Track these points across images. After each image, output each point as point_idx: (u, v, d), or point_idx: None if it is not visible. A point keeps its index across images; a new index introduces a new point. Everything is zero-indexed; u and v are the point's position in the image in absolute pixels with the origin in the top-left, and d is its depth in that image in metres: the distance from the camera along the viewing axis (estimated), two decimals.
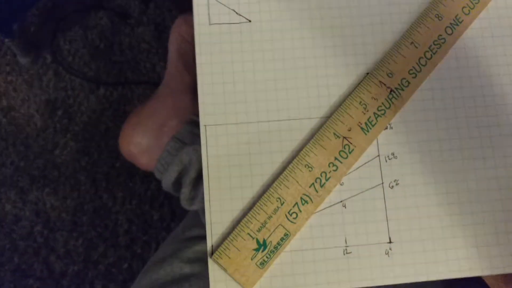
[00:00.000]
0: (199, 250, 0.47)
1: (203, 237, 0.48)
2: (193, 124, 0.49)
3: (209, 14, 0.28)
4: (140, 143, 0.51)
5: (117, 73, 0.91)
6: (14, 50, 0.90)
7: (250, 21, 0.28)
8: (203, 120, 0.27)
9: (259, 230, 0.26)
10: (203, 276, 0.45)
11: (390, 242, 0.26)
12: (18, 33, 0.86)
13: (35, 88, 0.90)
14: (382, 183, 0.27)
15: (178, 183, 0.50)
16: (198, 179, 0.48)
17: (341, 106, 0.27)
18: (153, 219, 0.86)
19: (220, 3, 0.28)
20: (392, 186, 0.27)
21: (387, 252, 0.26)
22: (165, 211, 0.86)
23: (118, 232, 0.86)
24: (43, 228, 0.87)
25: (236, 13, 0.28)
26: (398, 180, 0.27)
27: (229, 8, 0.28)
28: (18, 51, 0.89)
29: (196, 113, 0.51)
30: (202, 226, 0.49)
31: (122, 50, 0.92)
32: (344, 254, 0.26)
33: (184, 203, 0.50)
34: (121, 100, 0.90)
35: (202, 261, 0.46)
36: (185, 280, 0.46)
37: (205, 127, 0.27)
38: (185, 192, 0.49)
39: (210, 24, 0.28)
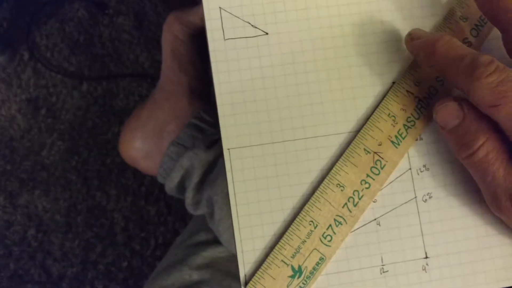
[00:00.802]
0: (208, 256, 0.46)
1: (210, 242, 0.47)
2: (192, 127, 0.48)
3: (223, 28, 0.26)
4: (140, 148, 0.49)
5: (99, 67, 0.88)
6: None
7: (267, 33, 0.27)
8: (225, 143, 0.26)
9: (293, 256, 0.25)
10: (212, 283, 0.45)
11: (426, 257, 0.26)
12: None
13: (15, 88, 0.87)
14: (415, 197, 0.26)
15: (181, 187, 0.49)
16: (201, 183, 0.47)
17: (370, 120, 0.26)
18: (149, 215, 0.85)
19: (234, 16, 0.26)
20: (426, 200, 0.26)
21: (424, 268, 0.26)
22: (161, 206, 0.85)
23: (115, 230, 0.84)
24: (37, 231, 0.84)
25: (252, 25, 0.27)
26: (431, 193, 0.26)
27: (243, 20, 0.27)
28: None
29: (194, 115, 0.49)
30: (209, 230, 0.48)
31: (102, 43, 0.88)
32: (381, 273, 0.26)
33: (189, 208, 0.49)
34: (106, 94, 0.87)
35: (210, 267, 0.45)
36: (194, 287, 0.45)
37: (229, 151, 0.26)
38: (188, 197, 0.48)
39: (225, 39, 0.26)
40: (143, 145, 0.51)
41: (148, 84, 0.88)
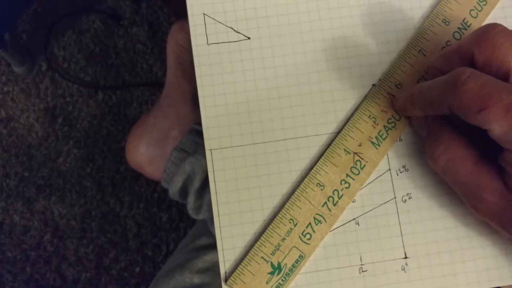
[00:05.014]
0: (209, 260, 0.47)
1: (212, 246, 0.48)
2: (195, 132, 0.49)
3: (206, 34, 0.27)
4: (145, 153, 0.51)
5: (114, 77, 0.90)
6: (8, 60, 0.89)
7: (249, 38, 0.28)
8: (207, 144, 0.27)
9: (273, 253, 0.25)
10: (213, 286, 0.45)
11: (405, 257, 0.26)
12: (10, 42, 0.85)
13: (33, 97, 0.90)
14: (395, 197, 0.26)
15: (184, 191, 0.49)
16: (202, 188, 0.48)
17: (350, 121, 0.26)
18: (161, 221, 0.86)
19: (218, 21, 0.27)
20: (405, 200, 0.26)
21: (403, 268, 0.26)
22: (173, 212, 0.86)
23: (128, 236, 0.86)
24: (53, 237, 0.87)
25: (235, 30, 0.28)
26: (410, 194, 0.26)
27: (226, 26, 0.28)
28: (12, 60, 0.88)
29: (197, 121, 0.50)
30: (211, 234, 0.49)
31: (117, 53, 0.91)
32: (359, 273, 0.26)
33: (191, 213, 0.50)
34: (121, 103, 0.89)
35: (211, 271, 0.46)
36: None
37: (211, 152, 0.27)
38: (190, 202, 0.49)
39: (208, 44, 0.27)
40: (148, 151, 0.53)
41: (161, 93, 0.90)
